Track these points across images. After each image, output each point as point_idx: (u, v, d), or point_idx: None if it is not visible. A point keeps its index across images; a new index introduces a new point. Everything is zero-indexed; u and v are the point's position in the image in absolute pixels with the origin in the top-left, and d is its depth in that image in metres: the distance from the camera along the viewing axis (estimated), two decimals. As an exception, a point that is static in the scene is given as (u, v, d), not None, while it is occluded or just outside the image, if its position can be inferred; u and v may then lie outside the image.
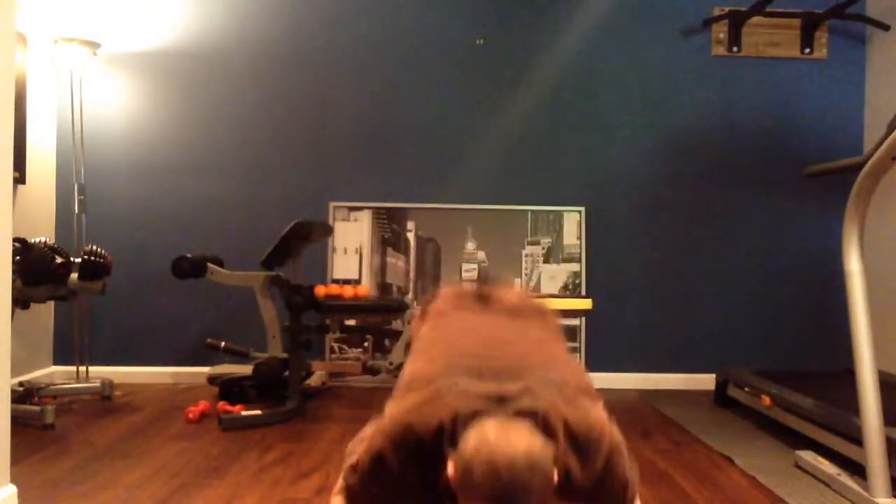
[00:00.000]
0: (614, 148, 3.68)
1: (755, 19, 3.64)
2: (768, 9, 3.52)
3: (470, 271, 3.63)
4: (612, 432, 1.25)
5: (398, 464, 1.21)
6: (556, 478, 1.11)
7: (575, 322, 3.59)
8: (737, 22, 3.66)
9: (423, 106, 3.66)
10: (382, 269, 3.64)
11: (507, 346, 1.38)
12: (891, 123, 1.91)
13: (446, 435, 1.17)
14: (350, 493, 1.30)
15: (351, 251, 3.63)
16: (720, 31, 3.70)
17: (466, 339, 1.42)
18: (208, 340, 3.33)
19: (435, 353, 1.38)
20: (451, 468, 1.12)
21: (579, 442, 1.19)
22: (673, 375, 3.65)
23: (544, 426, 1.17)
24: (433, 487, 1.18)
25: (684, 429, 2.85)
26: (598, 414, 1.26)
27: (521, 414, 1.17)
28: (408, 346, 1.54)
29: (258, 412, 2.82)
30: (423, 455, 1.19)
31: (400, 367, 3.44)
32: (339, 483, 1.33)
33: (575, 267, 3.64)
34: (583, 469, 1.19)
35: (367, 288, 3.52)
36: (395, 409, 1.26)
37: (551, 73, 3.68)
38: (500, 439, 1.08)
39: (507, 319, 1.55)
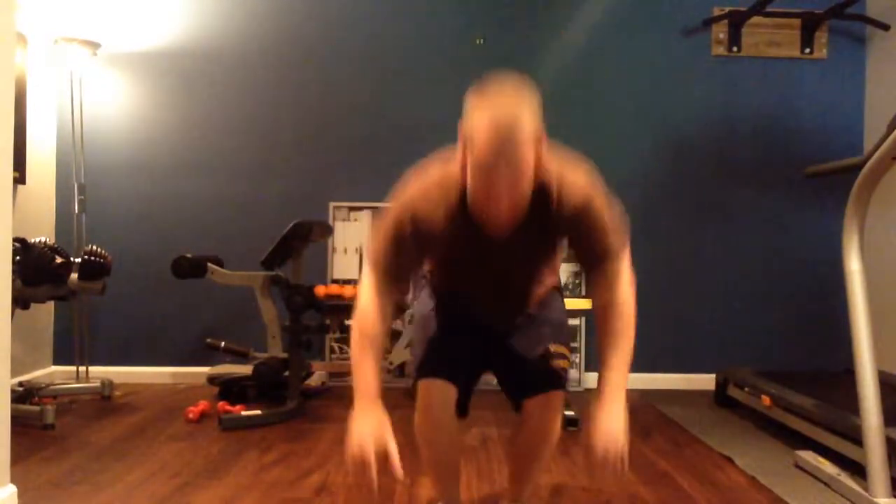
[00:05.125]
0: (614, 148, 3.68)
1: (755, 19, 3.64)
2: (768, 9, 3.52)
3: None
4: (600, 185, 1.42)
5: (421, 197, 1.41)
6: (542, 136, 1.29)
7: (575, 322, 3.59)
8: (737, 22, 3.66)
9: (424, 106, 3.66)
10: (382, 269, 3.63)
11: None
12: (891, 123, 1.91)
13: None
14: (375, 253, 1.44)
15: (351, 251, 3.63)
16: (720, 31, 3.70)
17: None
18: (208, 340, 3.33)
19: None
20: (459, 141, 1.30)
21: (563, 163, 1.40)
22: (673, 375, 3.65)
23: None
24: (456, 218, 1.37)
25: (684, 429, 2.85)
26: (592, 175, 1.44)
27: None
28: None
29: (258, 412, 2.82)
30: (443, 180, 1.39)
31: (400, 366, 3.45)
32: (366, 265, 1.47)
33: (575, 267, 3.64)
34: (569, 187, 1.37)
35: (367, 288, 3.51)
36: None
37: (551, 73, 3.68)
38: (496, 92, 1.28)
39: None
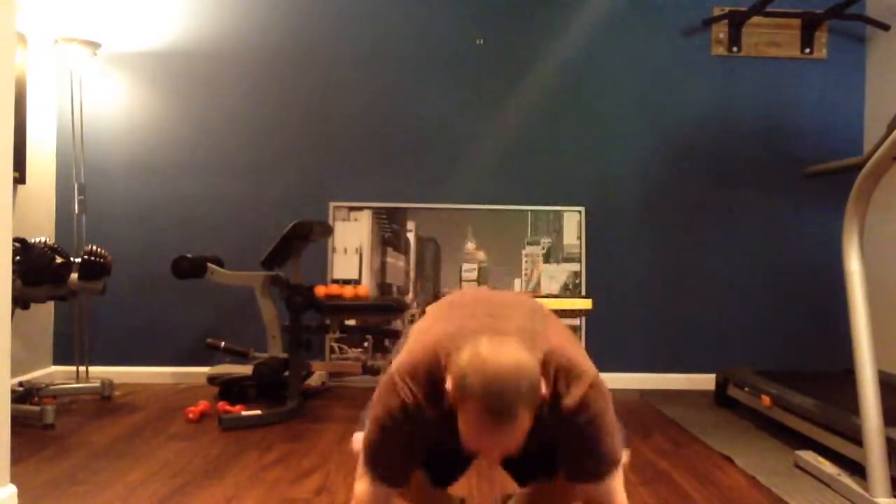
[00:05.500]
0: (614, 148, 3.69)
1: (755, 19, 3.64)
2: (768, 9, 3.52)
3: (470, 271, 3.63)
4: (596, 376, 1.30)
5: (412, 404, 1.26)
6: (543, 388, 1.19)
7: (575, 322, 3.59)
8: (737, 22, 3.66)
9: (423, 106, 3.66)
10: (382, 269, 3.64)
11: (503, 306, 1.44)
12: (891, 123, 1.91)
13: (445, 360, 1.25)
14: (372, 457, 1.32)
15: (351, 251, 3.63)
16: (720, 31, 3.70)
17: (466, 303, 1.48)
18: (208, 340, 3.33)
19: (437, 315, 1.45)
20: (448, 381, 1.20)
21: (560, 371, 1.26)
22: (673, 375, 3.65)
23: (533, 349, 1.24)
24: (449, 422, 1.23)
25: (684, 429, 2.85)
26: (583, 356, 1.33)
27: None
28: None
29: (258, 412, 2.82)
30: (432, 388, 1.26)
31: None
32: (360, 463, 1.35)
33: (575, 267, 3.64)
34: (565, 394, 1.26)
35: (367, 288, 3.51)
36: (400, 358, 1.33)
37: (551, 73, 3.68)
38: (492, 352, 1.16)
39: (498, 298, 1.60)
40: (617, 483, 1.31)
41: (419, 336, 1.37)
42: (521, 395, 1.14)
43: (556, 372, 1.26)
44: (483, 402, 1.13)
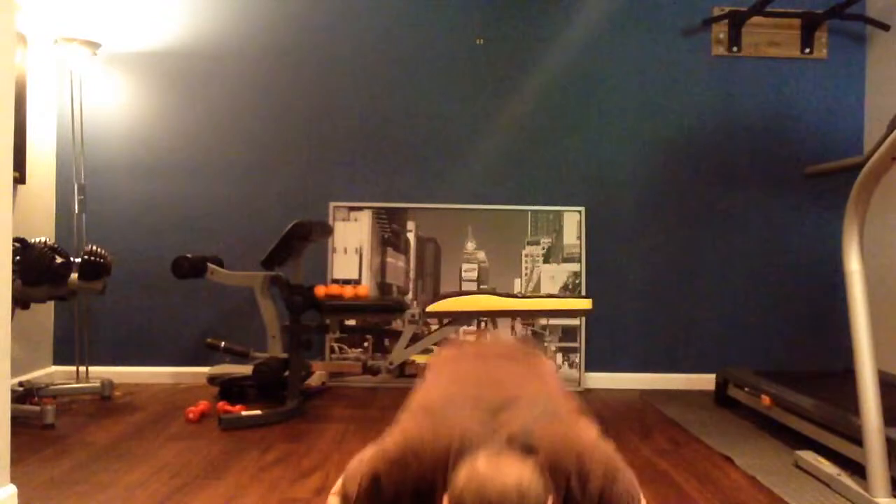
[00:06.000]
0: (614, 148, 3.69)
1: (755, 19, 3.64)
2: (768, 9, 3.52)
3: (470, 271, 3.63)
4: (608, 456, 1.25)
5: (394, 489, 1.24)
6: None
7: (575, 322, 3.59)
8: (737, 22, 3.66)
9: (424, 106, 3.66)
10: (382, 269, 3.64)
11: (501, 384, 1.43)
12: (891, 123, 1.91)
13: (440, 466, 1.21)
14: (352, 496, 1.31)
15: (351, 251, 3.63)
16: (720, 31, 3.70)
17: (465, 380, 1.47)
18: (208, 340, 3.33)
19: (435, 393, 1.43)
20: (445, 502, 1.12)
21: (573, 468, 1.21)
22: (673, 375, 3.66)
23: (537, 456, 1.19)
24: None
25: (684, 429, 2.85)
26: (592, 438, 1.28)
27: (514, 442, 1.20)
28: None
29: (258, 412, 2.82)
30: (418, 483, 1.22)
31: (400, 366, 3.45)
32: (337, 485, 1.32)
33: (575, 267, 3.64)
34: (580, 494, 1.21)
35: (367, 288, 3.51)
36: (396, 435, 1.30)
37: (551, 73, 3.68)
38: (491, 471, 1.08)
39: (501, 365, 1.60)
40: None
41: (424, 419, 1.31)
42: None
43: (568, 473, 1.20)
44: None
